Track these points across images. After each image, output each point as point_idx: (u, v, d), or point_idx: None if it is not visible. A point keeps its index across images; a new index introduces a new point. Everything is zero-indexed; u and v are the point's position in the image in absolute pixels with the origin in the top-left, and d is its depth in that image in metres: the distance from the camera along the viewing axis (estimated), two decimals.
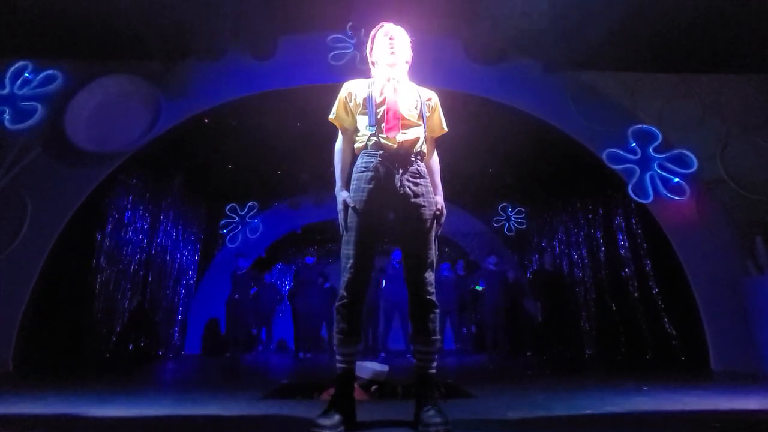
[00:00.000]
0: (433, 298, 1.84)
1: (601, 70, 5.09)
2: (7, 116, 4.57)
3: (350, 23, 4.89)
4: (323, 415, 1.69)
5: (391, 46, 2.00)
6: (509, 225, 7.99)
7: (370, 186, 1.85)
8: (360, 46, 4.82)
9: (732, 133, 4.89)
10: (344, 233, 1.86)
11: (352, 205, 1.85)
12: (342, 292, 1.82)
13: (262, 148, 6.17)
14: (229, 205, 7.61)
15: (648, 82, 5.10)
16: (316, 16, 4.76)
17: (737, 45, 4.65)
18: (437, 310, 1.86)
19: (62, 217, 4.49)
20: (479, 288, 6.91)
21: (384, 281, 6.28)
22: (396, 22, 2.08)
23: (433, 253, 1.88)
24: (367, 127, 1.90)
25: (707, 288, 4.42)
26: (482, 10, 4.45)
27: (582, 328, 6.39)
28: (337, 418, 1.69)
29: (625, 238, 5.67)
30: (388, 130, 1.87)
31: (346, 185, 1.94)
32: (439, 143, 2.15)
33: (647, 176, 4.75)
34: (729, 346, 4.22)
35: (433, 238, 1.89)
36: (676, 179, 4.70)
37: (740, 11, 4.23)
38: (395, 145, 1.87)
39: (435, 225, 1.90)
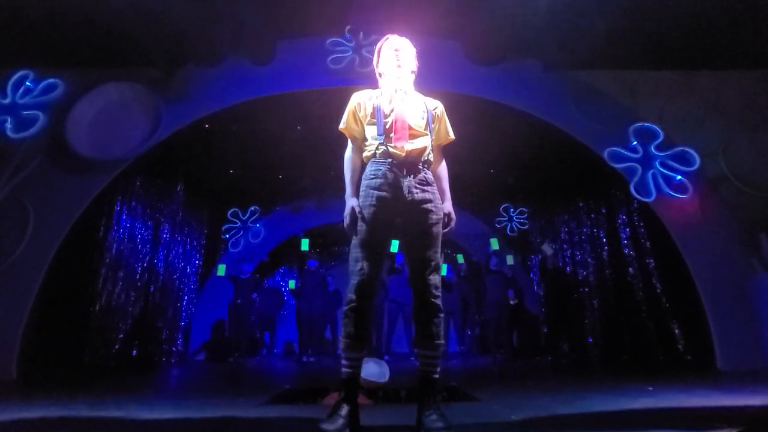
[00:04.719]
0: (438, 301, 1.84)
1: (602, 68, 5.08)
2: (9, 125, 4.58)
3: (349, 26, 4.87)
4: (327, 420, 1.69)
5: (397, 59, 2.04)
6: (511, 225, 7.95)
7: (379, 192, 1.87)
8: (359, 49, 4.81)
9: (734, 130, 4.86)
10: (353, 237, 1.88)
11: (359, 211, 1.87)
12: (350, 295, 1.83)
13: (262, 152, 6.17)
14: (231, 210, 7.61)
15: (648, 80, 5.08)
16: (315, 19, 4.75)
17: (738, 42, 4.63)
18: (441, 314, 1.86)
19: (65, 224, 4.51)
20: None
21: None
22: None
23: (439, 257, 1.89)
24: (376, 137, 1.93)
25: (712, 286, 4.39)
26: (481, 11, 4.45)
27: (586, 328, 6.35)
28: (341, 422, 1.69)
29: (629, 237, 5.63)
30: (397, 139, 1.90)
31: (356, 192, 1.96)
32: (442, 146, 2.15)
33: (649, 174, 4.73)
34: (735, 345, 4.19)
35: (439, 241, 1.90)
36: (679, 177, 4.67)
37: (741, 8, 4.21)
38: (403, 154, 1.90)
39: (442, 229, 1.91)
